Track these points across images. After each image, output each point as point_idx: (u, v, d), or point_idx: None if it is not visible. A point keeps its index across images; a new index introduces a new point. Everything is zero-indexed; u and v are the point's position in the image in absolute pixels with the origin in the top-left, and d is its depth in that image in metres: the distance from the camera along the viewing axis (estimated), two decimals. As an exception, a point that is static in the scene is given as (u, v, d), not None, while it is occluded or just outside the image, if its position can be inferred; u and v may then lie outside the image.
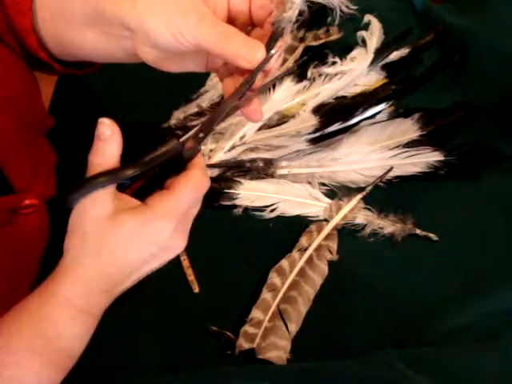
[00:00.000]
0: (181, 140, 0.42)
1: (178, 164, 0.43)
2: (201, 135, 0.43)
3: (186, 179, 0.42)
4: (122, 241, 0.40)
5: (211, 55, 0.46)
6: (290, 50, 0.75)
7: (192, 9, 0.41)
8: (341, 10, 0.79)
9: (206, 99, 0.69)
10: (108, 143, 0.41)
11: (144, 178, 0.42)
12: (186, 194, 0.41)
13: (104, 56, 0.49)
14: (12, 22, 0.46)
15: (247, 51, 0.40)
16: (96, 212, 0.40)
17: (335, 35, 0.77)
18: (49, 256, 0.57)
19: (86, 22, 0.45)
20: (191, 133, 0.43)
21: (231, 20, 0.44)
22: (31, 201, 0.51)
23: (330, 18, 0.78)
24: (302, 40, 0.76)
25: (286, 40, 0.44)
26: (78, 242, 0.41)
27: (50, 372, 0.39)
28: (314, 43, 0.76)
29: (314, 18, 0.78)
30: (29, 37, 0.47)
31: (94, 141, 0.41)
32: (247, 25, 0.45)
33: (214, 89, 0.70)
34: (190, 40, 0.40)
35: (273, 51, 0.42)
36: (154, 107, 0.70)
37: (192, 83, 0.71)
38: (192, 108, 0.69)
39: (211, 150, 0.65)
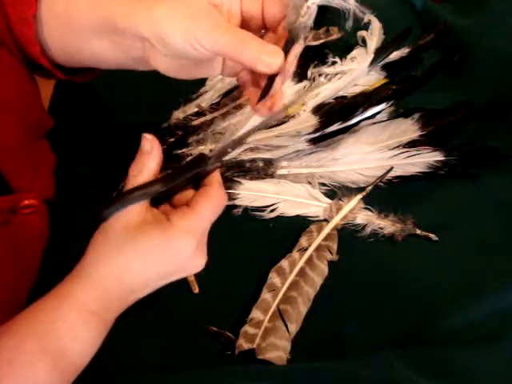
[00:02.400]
0: (208, 155, 0.43)
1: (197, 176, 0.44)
2: (229, 150, 0.44)
3: (207, 197, 0.43)
4: (140, 254, 0.41)
5: (228, 61, 0.46)
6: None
7: (207, 15, 0.41)
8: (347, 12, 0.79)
9: (206, 99, 0.70)
10: (148, 158, 0.43)
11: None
12: (208, 212, 0.42)
13: (112, 64, 0.49)
14: (14, 29, 0.46)
15: (266, 56, 0.40)
16: (124, 221, 0.41)
17: (335, 35, 0.77)
18: (49, 257, 0.57)
19: (94, 32, 0.45)
20: (219, 149, 0.44)
21: (245, 25, 0.44)
22: (30, 201, 0.51)
23: (343, 21, 0.78)
24: (301, 40, 0.76)
25: (302, 45, 0.43)
26: (101, 246, 0.42)
27: (61, 373, 0.39)
28: (314, 43, 0.76)
29: (314, 18, 0.78)
30: (32, 45, 0.47)
31: (136, 154, 0.43)
32: (260, 29, 0.45)
33: (214, 89, 0.70)
34: (206, 47, 0.40)
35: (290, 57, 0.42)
36: (154, 107, 0.70)
37: (192, 83, 0.70)
38: (192, 108, 0.69)
39: (211, 150, 0.65)
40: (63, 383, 0.40)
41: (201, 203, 0.42)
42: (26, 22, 0.46)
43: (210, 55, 0.41)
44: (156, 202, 0.44)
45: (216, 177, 0.44)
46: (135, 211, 0.41)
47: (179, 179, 0.43)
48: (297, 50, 0.43)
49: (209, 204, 0.42)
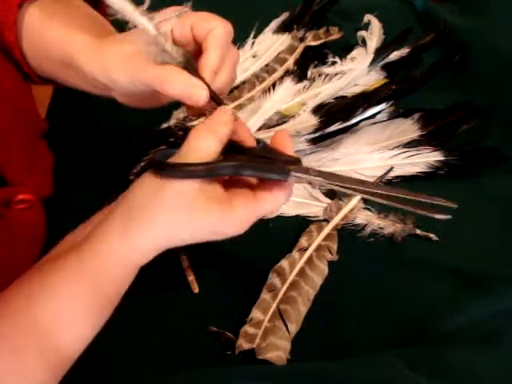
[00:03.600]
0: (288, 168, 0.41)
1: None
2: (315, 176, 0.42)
3: (274, 199, 0.42)
4: (191, 221, 0.40)
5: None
6: (290, 49, 0.75)
7: (140, 54, 0.42)
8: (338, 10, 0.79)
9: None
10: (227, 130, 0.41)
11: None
12: (268, 208, 0.42)
13: (81, 88, 0.51)
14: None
15: (190, 92, 0.41)
16: (185, 187, 0.40)
17: (335, 35, 0.77)
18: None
19: (60, 63, 0.48)
20: (304, 175, 0.42)
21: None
22: (25, 196, 0.51)
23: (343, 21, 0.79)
24: (301, 40, 0.76)
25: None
26: (151, 204, 0.40)
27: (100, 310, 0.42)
28: (314, 43, 0.76)
29: (314, 17, 0.78)
30: (14, 49, 0.49)
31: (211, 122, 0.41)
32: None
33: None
34: (141, 82, 0.42)
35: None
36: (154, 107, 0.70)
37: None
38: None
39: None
40: (101, 319, 0.42)
41: (266, 199, 0.42)
42: (7, 26, 0.48)
43: (149, 90, 0.43)
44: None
45: (290, 185, 0.43)
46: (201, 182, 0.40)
47: (251, 174, 0.41)
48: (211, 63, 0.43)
49: (272, 202, 0.42)
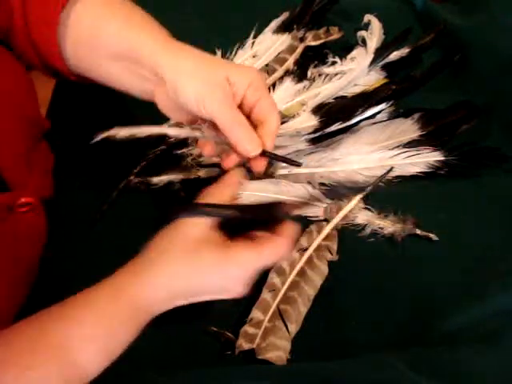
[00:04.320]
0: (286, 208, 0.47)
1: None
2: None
3: (274, 245, 0.45)
4: (188, 267, 0.44)
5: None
6: (290, 49, 0.75)
7: (220, 88, 0.46)
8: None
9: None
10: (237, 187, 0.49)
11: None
12: (268, 257, 0.45)
13: (119, 86, 0.53)
14: (33, 27, 0.50)
15: (249, 145, 0.47)
16: (190, 230, 0.44)
17: (335, 35, 0.77)
18: (47, 256, 0.57)
19: (114, 56, 0.49)
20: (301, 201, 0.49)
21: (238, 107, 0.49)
22: (27, 199, 0.51)
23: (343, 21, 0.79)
24: (301, 40, 0.76)
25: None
26: (165, 248, 0.44)
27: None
28: (314, 43, 0.76)
29: (314, 17, 0.78)
30: (51, 45, 0.50)
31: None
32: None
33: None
34: (208, 112, 0.46)
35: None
36: (153, 107, 0.70)
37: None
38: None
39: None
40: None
41: (266, 246, 0.45)
42: (48, 21, 0.49)
43: (206, 117, 0.47)
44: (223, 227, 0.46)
45: (290, 230, 0.47)
46: (204, 225, 0.44)
47: (253, 215, 0.46)
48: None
49: (273, 252, 0.45)
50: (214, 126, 0.49)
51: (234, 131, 0.46)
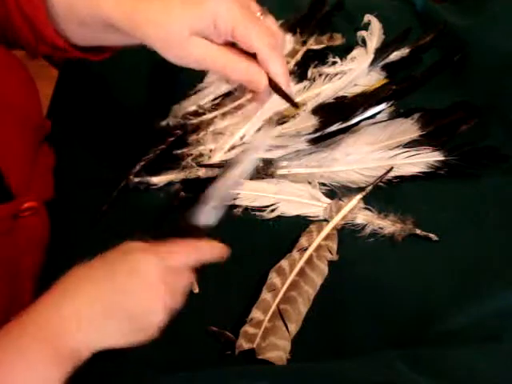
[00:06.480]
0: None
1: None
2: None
3: (184, 244, 0.46)
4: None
5: None
6: (292, 52, 0.75)
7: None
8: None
9: (205, 97, 0.69)
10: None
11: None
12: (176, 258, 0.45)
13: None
14: (26, 12, 0.48)
15: (250, 78, 0.46)
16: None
17: (338, 41, 0.77)
18: (50, 258, 0.57)
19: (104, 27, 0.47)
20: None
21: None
22: (30, 203, 0.51)
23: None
24: (304, 43, 0.76)
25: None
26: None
27: None
28: (316, 47, 0.76)
29: (319, 23, 0.78)
30: (44, 27, 0.48)
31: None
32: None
33: (213, 86, 0.70)
34: (193, 63, 0.46)
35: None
36: (154, 107, 0.70)
37: (190, 80, 0.71)
38: (190, 104, 0.68)
39: (211, 150, 0.65)
40: None
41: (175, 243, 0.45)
42: (34, 5, 0.47)
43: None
44: None
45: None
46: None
47: (172, 235, 0.46)
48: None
49: (188, 249, 0.46)
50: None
51: (228, 73, 0.46)
